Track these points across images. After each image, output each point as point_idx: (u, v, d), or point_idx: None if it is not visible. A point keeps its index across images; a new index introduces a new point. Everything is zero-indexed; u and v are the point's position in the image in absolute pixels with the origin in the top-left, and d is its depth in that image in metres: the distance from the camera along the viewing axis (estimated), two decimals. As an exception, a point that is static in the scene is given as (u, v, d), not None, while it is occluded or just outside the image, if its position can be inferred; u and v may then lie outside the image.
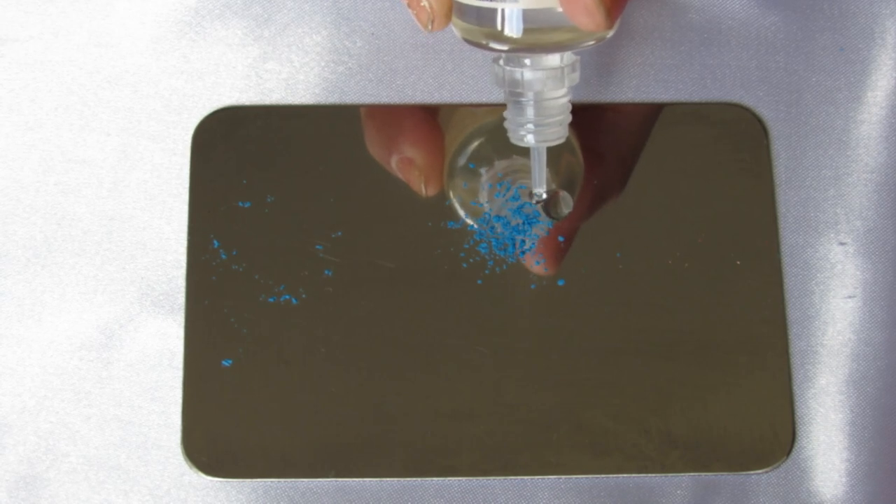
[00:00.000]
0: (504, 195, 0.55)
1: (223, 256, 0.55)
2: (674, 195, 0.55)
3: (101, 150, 0.56)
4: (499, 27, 0.49)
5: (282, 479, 0.53)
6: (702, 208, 0.55)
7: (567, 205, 0.55)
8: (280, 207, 0.55)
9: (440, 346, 0.54)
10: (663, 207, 0.55)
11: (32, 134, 0.57)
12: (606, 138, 0.56)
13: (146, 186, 0.56)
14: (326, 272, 0.54)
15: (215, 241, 0.55)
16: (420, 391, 0.53)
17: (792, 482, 0.53)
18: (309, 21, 0.58)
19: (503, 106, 0.55)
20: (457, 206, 0.55)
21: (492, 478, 0.53)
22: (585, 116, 0.56)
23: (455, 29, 0.51)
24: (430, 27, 0.50)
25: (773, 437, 0.53)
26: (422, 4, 0.49)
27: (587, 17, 0.47)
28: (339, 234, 0.55)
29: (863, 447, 0.53)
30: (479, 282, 0.54)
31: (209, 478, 0.53)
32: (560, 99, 0.51)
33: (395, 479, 0.53)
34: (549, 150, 0.53)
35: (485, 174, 0.55)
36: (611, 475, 0.53)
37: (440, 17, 0.50)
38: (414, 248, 0.55)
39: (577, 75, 0.51)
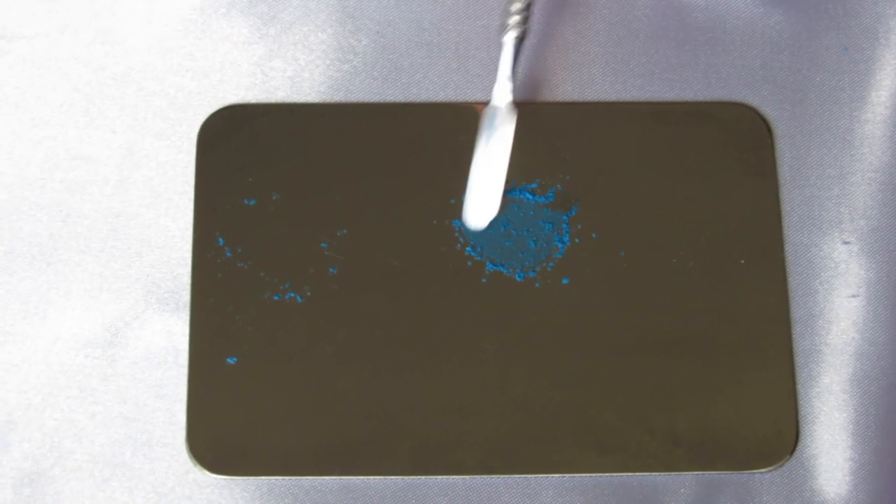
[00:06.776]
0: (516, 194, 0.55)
1: (228, 254, 0.55)
2: (678, 194, 0.55)
3: (107, 148, 0.57)
4: None
5: (286, 477, 0.53)
6: (706, 207, 0.55)
7: None
8: (285, 205, 0.55)
9: (444, 344, 0.54)
10: (667, 206, 0.55)
11: (38, 131, 0.57)
12: (609, 136, 0.56)
13: (151, 184, 0.56)
14: (331, 270, 0.54)
15: (220, 239, 0.55)
16: (424, 389, 0.53)
17: (796, 481, 0.53)
18: (314, 19, 0.58)
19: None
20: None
21: (496, 476, 0.53)
22: (589, 115, 0.56)
23: None
24: None
25: (776, 435, 0.53)
26: None
27: None
28: (345, 231, 0.55)
29: (866, 446, 0.54)
30: (483, 280, 0.54)
31: (214, 475, 0.53)
32: None
33: (400, 476, 0.53)
34: (554, 146, 0.53)
35: None
36: (615, 473, 0.53)
37: None
38: (419, 246, 0.55)
39: None
